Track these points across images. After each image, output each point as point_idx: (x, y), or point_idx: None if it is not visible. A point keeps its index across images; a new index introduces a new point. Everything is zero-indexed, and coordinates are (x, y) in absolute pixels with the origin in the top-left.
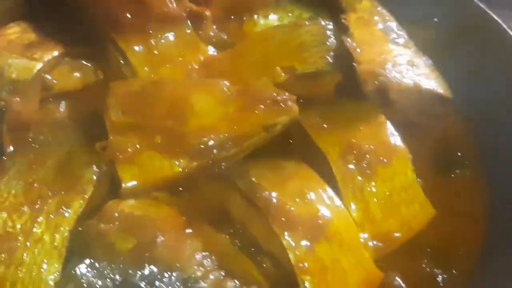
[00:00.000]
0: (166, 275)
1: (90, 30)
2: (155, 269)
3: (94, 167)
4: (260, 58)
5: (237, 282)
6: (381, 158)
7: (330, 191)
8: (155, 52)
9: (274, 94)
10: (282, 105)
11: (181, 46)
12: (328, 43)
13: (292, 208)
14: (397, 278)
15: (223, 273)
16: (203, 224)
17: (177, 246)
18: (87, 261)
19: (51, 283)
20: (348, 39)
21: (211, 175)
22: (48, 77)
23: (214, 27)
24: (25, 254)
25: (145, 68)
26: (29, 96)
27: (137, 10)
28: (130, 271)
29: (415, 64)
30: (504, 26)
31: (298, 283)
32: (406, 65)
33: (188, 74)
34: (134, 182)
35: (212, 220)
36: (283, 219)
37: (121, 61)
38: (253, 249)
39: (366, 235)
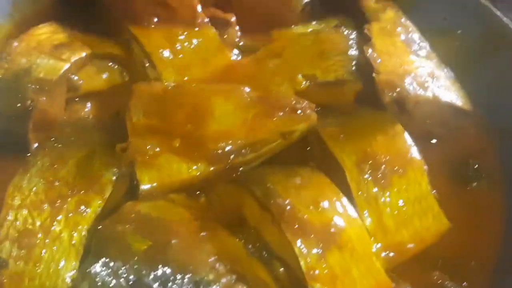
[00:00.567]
0: (178, 276)
1: (117, 33)
2: (168, 271)
3: (114, 168)
4: (282, 65)
5: (248, 287)
6: (397, 169)
7: (344, 199)
8: (180, 56)
9: (294, 101)
10: (301, 113)
11: (205, 51)
12: (349, 53)
13: (306, 216)
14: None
15: (234, 277)
16: (218, 227)
17: (191, 248)
18: (103, 260)
19: (68, 280)
20: (369, 49)
21: (228, 180)
22: (75, 77)
23: (239, 32)
24: (43, 251)
25: (169, 71)
26: (55, 95)
27: (164, 14)
28: (144, 272)
29: (435, 76)
30: None
31: None
32: (426, 77)
33: (211, 78)
34: (152, 184)
35: (226, 224)
36: (296, 226)
37: (146, 64)
38: (265, 254)
39: (378, 245)
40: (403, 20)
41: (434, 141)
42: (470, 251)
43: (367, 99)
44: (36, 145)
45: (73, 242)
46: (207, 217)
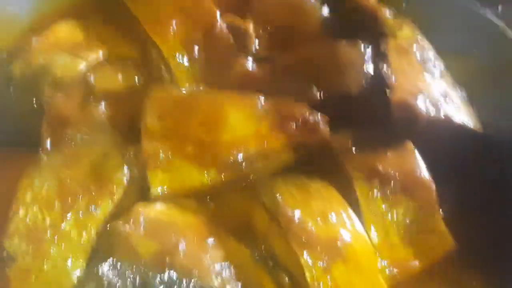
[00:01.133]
0: (184, 281)
1: (135, 35)
2: (174, 275)
3: (126, 170)
4: (297, 76)
5: None
6: (405, 187)
7: (352, 214)
8: (196, 62)
9: (307, 114)
10: (314, 126)
11: (222, 58)
12: (365, 68)
13: (313, 228)
14: None
15: (240, 285)
16: (226, 234)
17: (198, 254)
18: (110, 261)
19: (74, 278)
20: (385, 65)
21: (238, 188)
22: (91, 77)
23: (256, 41)
24: (52, 248)
25: (185, 77)
26: (71, 93)
27: (183, 20)
28: (150, 274)
29: (448, 96)
30: None
31: None
32: (439, 96)
33: (226, 86)
34: (162, 188)
35: (234, 231)
36: (304, 238)
37: (163, 68)
38: (271, 263)
39: (384, 262)
40: (419, 38)
41: (443, 160)
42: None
43: (379, 115)
44: (49, 142)
45: (82, 241)
46: (215, 224)
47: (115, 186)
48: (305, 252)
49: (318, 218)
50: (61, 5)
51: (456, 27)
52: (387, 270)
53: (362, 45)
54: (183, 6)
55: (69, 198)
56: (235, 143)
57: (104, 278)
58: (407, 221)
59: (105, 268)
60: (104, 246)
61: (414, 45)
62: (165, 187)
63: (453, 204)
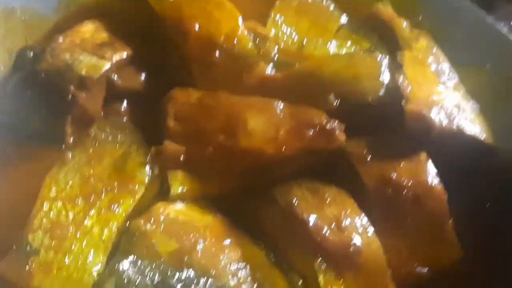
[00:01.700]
0: (201, 280)
1: (159, 36)
2: (192, 274)
3: (148, 169)
4: (315, 83)
5: None
6: (417, 195)
7: (365, 220)
8: (217, 66)
9: (325, 121)
10: (331, 133)
11: (242, 63)
12: (381, 78)
13: (328, 234)
14: None
15: (255, 286)
16: (242, 236)
17: (215, 254)
18: (130, 258)
19: (95, 274)
20: (401, 76)
21: (255, 191)
22: (115, 76)
23: (276, 47)
24: (74, 244)
25: (206, 81)
26: (95, 93)
27: (206, 23)
28: (169, 273)
29: (461, 108)
30: None
31: None
32: (453, 108)
33: (246, 91)
34: (182, 189)
35: (251, 233)
36: (318, 243)
37: (184, 70)
38: (285, 266)
39: (393, 268)
40: (434, 50)
41: (455, 170)
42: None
43: (394, 125)
44: (72, 139)
45: (103, 238)
46: (232, 225)
47: (137, 185)
48: (319, 257)
49: (333, 224)
50: (87, 5)
51: (470, 40)
52: (395, 277)
53: (379, 56)
54: (208, 11)
55: (92, 195)
56: (253, 147)
57: (124, 275)
58: (418, 228)
59: (125, 265)
60: (124, 243)
61: (430, 57)
62: (185, 187)
63: (463, 213)
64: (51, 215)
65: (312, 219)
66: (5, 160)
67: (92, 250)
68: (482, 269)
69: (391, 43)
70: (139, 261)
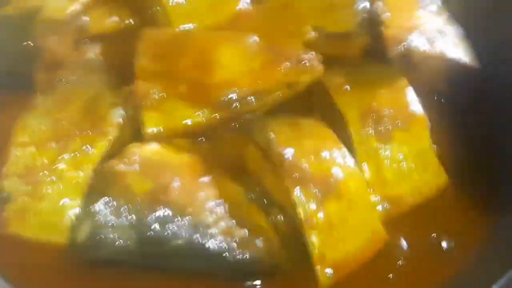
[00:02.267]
0: (178, 218)
1: None
2: (168, 212)
3: (120, 110)
4: (291, 15)
5: (246, 232)
6: (399, 123)
7: (345, 151)
8: (190, 1)
9: (301, 52)
10: (307, 64)
11: None
12: (358, 5)
13: (306, 165)
14: (402, 240)
15: (234, 222)
16: (220, 173)
17: (191, 191)
18: (105, 199)
19: (71, 217)
20: (380, 3)
21: (231, 127)
22: (84, 18)
23: None
24: (49, 188)
25: (178, 17)
26: (64, 36)
27: None
28: (145, 212)
29: (444, 32)
30: None
31: (305, 237)
32: (434, 33)
33: (220, 25)
34: (157, 128)
35: (229, 170)
36: (296, 175)
37: (158, 8)
38: (265, 201)
39: (376, 198)
40: None
41: (437, 97)
42: (469, 207)
43: (374, 53)
44: (42, 83)
45: (79, 180)
46: (210, 163)
47: (109, 126)
48: (297, 189)
49: (311, 156)
50: None
51: None
52: (379, 206)
53: None
54: None
55: (65, 138)
56: (228, 82)
57: (100, 216)
58: (401, 157)
59: (100, 206)
60: (99, 185)
61: None
62: (159, 126)
63: (446, 138)
64: (24, 160)
65: (290, 151)
66: None
67: (67, 194)
68: (468, 195)
69: None
70: (115, 202)
